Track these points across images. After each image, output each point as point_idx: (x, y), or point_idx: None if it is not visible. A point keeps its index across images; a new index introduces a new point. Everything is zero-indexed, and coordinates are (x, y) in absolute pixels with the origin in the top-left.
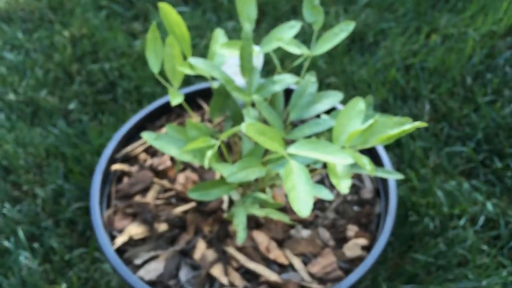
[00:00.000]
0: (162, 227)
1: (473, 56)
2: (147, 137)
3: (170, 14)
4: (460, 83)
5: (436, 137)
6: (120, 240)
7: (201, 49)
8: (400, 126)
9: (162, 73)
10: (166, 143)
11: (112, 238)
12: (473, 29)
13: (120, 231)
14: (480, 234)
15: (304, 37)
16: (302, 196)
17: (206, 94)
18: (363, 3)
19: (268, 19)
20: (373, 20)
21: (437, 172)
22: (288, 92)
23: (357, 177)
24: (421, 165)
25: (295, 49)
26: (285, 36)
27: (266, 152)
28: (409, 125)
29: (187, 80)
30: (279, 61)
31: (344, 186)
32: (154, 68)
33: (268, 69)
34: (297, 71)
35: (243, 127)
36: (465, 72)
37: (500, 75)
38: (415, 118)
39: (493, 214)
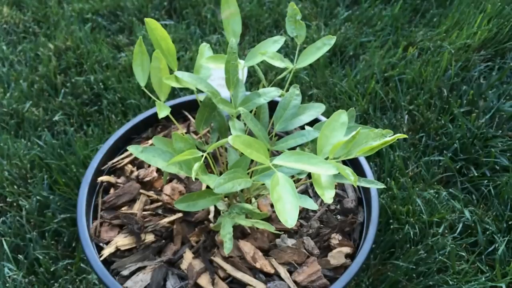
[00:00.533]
0: (149, 238)
1: (448, 68)
2: (134, 150)
3: (156, 29)
4: (436, 94)
5: (414, 147)
6: (107, 251)
7: (186, 61)
8: (381, 137)
9: (148, 86)
10: (153, 155)
11: (99, 249)
12: (449, 43)
13: (107, 242)
14: (459, 241)
15: (286, 49)
16: (288, 207)
17: (192, 106)
18: (343, 17)
19: (251, 32)
20: (353, 33)
21: (416, 180)
22: (271, 103)
23: (340, 186)
24: (401, 174)
25: (279, 63)
26: (269, 50)
27: (252, 162)
28: (390, 137)
29: (173, 92)
30: (263, 73)
31: (328, 196)
32: (141, 81)
33: (252, 81)
34: (280, 82)
35: (230, 140)
36: (441, 84)
37: (475, 87)
38: (394, 128)
39: (471, 221)
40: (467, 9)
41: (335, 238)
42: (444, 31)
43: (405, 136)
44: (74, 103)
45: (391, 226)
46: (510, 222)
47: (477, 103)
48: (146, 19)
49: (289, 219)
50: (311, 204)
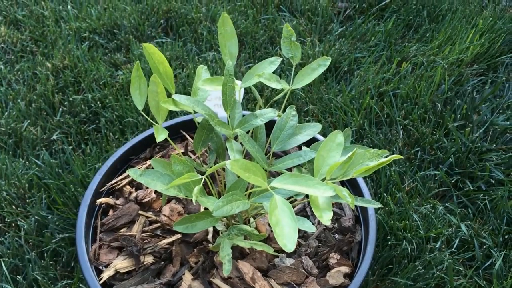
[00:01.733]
0: (148, 259)
1: (442, 83)
2: (133, 173)
3: (154, 53)
4: (431, 109)
5: (410, 162)
6: (107, 274)
7: (183, 79)
8: (377, 157)
9: (146, 108)
10: (152, 179)
11: (99, 272)
12: (442, 58)
13: (107, 265)
14: (456, 256)
15: (282, 65)
16: (287, 231)
17: (189, 125)
18: (337, 33)
19: (247, 49)
20: (347, 49)
21: (412, 195)
22: (268, 121)
23: (338, 205)
24: (397, 189)
25: (276, 84)
26: (266, 71)
27: (250, 183)
28: (386, 158)
29: (171, 111)
30: (259, 91)
31: (326, 218)
32: (139, 105)
33: (249, 97)
34: (276, 100)
35: (228, 165)
36: (435, 99)
37: (468, 101)
38: (390, 143)
39: (467, 236)
40: (459, 25)
41: (334, 257)
42: (437, 46)
43: (401, 157)
44: (72, 122)
45: (389, 242)
46: (506, 236)
47: (471, 117)
48: (144, 44)
49: (288, 243)
50: (309, 227)
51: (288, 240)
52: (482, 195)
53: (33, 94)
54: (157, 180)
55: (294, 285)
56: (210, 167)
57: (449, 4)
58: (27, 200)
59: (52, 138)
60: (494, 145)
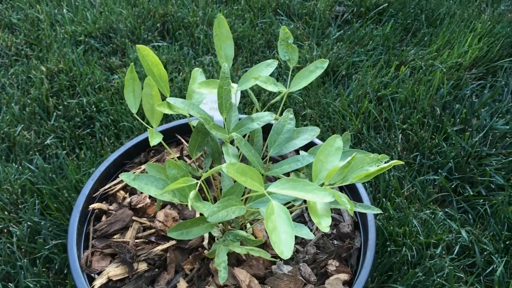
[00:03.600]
0: (142, 266)
1: (441, 87)
2: (126, 178)
3: (148, 55)
4: (429, 113)
5: (409, 166)
6: (99, 282)
7: (179, 83)
8: (377, 162)
9: (140, 112)
10: (145, 183)
11: (91, 280)
12: (440, 62)
13: (99, 272)
14: (457, 262)
15: (279, 69)
16: (284, 238)
17: (185, 129)
18: (334, 37)
19: (244, 53)
20: (345, 53)
21: (412, 200)
22: (265, 125)
23: (336, 210)
24: (396, 194)
25: (273, 87)
26: (262, 74)
27: (246, 188)
28: (387, 163)
29: (166, 115)
30: (256, 95)
31: (324, 224)
32: (132, 108)
33: (245, 101)
34: (273, 104)
35: (224, 168)
36: (434, 103)
37: (467, 105)
38: (388, 148)
39: (468, 242)
40: (458, 28)
41: (332, 264)
42: (435, 50)
43: (401, 162)
44: (66, 126)
45: (388, 248)
46: (507, 242)
47: (470, 121)
48: (138, 46)
49: (285, 250)
50: (307, 234)
51: (285, 247)
52: (482, 200)
53: (27, 98)
54: (150, 184)
55: None
56: (206, 172)
57: (447, 8)
58: (20, 206)
59: (46, 142)
60: (494, 149)
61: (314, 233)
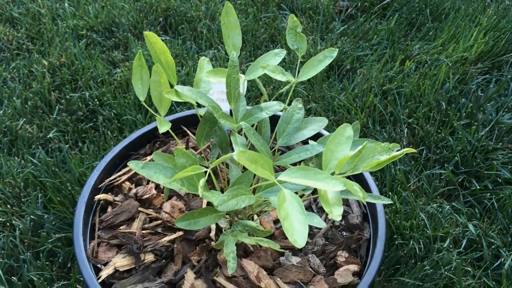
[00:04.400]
0: (148, 257)
1: (446, 81)
2: (134, 166)
3: (156, 42)
4: (435, 107)
5: (415, 161)
6: (105, 272)
7: (182, 77)
8: (388, 151)
9: (146, 100)
10: (154, 172)
11: (97, 270)
12: (445, 56)
13: (105, 263)
14: (464, 256)
15: (283, 64)
16: (297, 226)
17: (190, 121)
18: (339, 31)
19: (248, 47)
20: (349, 48)
21: (418, 194)
22: (272, 118)
23: (344, 202)
24: (402, 188)
25: (281, 76)
26: (270, 63)
27: (254, 178)
28: (398, 151)
29: (170, 107)
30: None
31: (336, 213)
32: (140, 96)
33: (249, 95)
34: (278, 97)
35: (235, 155)
36: (439, 97)
37: (473, 100)
38: (394, 142)
39: (475, 236)
40: (463, 23)
41: (342, 255)
42: (440, 45)
43: (413, 150)
44: (69, 120)
45: (395, 242)
46: None
47: (476, 115)
48: (146, 32)
49: (299, 238)
50: (319, 222)
51: (298, 235)
52: (489, 194)
53: (29, 92)
54: (159, 173)
55: (301, 283)
56: (213, 162)
57: (451, 2)
58: (23, 199)
59: (48, 136)
60: (500, 143)
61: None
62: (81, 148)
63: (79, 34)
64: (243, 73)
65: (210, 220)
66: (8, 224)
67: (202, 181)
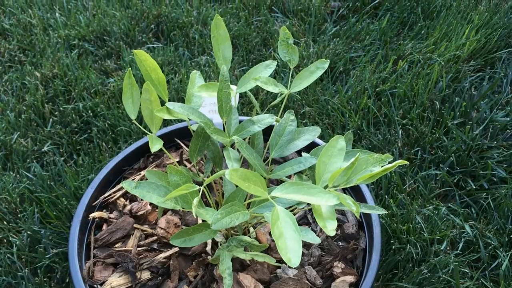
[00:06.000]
0: (145, 275)
1: (439, 80)
2: (127, 186)
3: (145, 60)
4: (429, 107)
5: (411, 162)
6: None
7: (175, 84)
8: (381, 162)
9: (138, 117)
10: (147, 191)
11: None
12: (438, 55)
13: (102, 283)
14: (461, 258)
15: (277, 68)
16: (290, 244)
17: (184, 133)
18: (331, 33)
19: (240, 52)
20: (342, 49)
21: (414, 196)
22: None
23: (340, 211)
24: (398, 190)
25: (273, 88)
26: (262, 75)
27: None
28: (390, 163)
29: (165, 119)
30: (253, 94)
31: (330, 228)
32: (131, 114)
33: (243, 101)
34: (271, 102)
35: (227, 174)
36: (433, 97)
37: (466, 98)
38: (389, 144)
39: (472, 237)
40: (455, 20)
41: (338, 266)
42: (432, 43)
43: (406, 162)
44: (63, 132)
45: (392, 246)
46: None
47: (470, 114)
48: (135, 51)
49: (293, 257)
50: (313, 238)
51: (292, 254)
52: (485, 194)
53: (22, 105)
54: (152, 192)
55: None
56: (207, 177)
57: (443, 0)
58: (19, 215)
59: (43, 149)
60: (495, 142)
61: (318, 235)
62: (76, 161)
63: (71, 44)
64: (237, 78)
65: (205, 236)
66: (5, 240)
67: (196, 200)
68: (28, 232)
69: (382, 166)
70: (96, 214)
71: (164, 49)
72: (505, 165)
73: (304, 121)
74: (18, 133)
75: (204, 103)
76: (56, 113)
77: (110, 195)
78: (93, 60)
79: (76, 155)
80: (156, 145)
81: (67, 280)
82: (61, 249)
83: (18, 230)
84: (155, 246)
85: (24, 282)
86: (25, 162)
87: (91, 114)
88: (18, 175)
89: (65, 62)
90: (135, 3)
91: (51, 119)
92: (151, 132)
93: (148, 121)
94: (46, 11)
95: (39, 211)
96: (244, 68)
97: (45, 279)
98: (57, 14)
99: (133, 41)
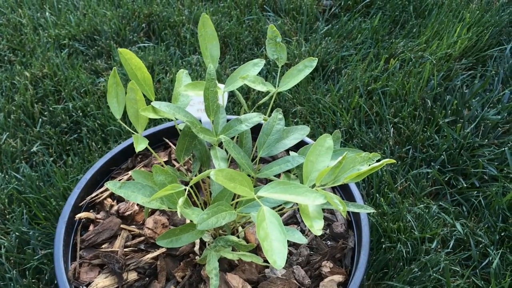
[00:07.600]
0: (131, 276)
1: (431, 79)
2: (112, 186)
3: (130, 58)
4: (420, 106)
5: (402, 160)
6: None
7: (166, 84)
8: (369, 161)
9: (125, 117)
10: (132, 191)
11: None
12: (430, 53)
13: (88, 284)
14: (452, 256)
15: (268, 66)
16: (276, 246)
17: (172, 132)
18: (323, 32)
19: (232, 51)
20: (333, 48)
21: (405, 195)
22: (255, 125)
23: (329, 210)
24: (389, 189)
25: (261, 87)
26: (250, 74)
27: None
28: (378, 162)
29: (153, 118)
30: (244, 94)
31: (317, 227)
32: (116, 114)
33: (234, 100)
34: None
35: (212, 175)
36: (424, 95)
37: (458, 96)
38: (380, 142)
39: (463, 235)
40: (446, 19)
41: (326, 265)
42: (424, 42)
43: (393, 161)
44: (52, 132)
45: (383, 245)
46: (502, 234)
47: (462, 112)
48: (120, 50)
49: (278, 259)
50: (299, 238)
51: (277, 256)
52: (476, 192)
53: (11, 105)
54: (137, 192)
55: None
56: (195, 176)
57: None
58: (7, 216)
59: (32, 150)
60: (486, 140)
61: (307, 235)
62: (65, 161)
63: (61, 44)
64: (228, 77)
65: (192, 236)
66: None
67: (181, 200)
68: (17, 233)
69: (369, 165)
70: (82, 214)
71: (155, 48)
72: (496, 163)
73: (295, 120)
74: (7, 133)
75: (192, 102)
76: (45, 113)
77: (97, 195)
78: (84, 59)
79: (66, 155)
80: (141, 145)
81: (55, 282)
82: (49, 250)
83: (7, 231)
84: (142, 246)
85: (12, 284)
86: (14, 162)
87: (81, 114)
88: (7, 176)
89: (55, 61)
90: (126, 2)
91: (40, 119)
92: (137, 132)
93: (134, 120)
94: (36, 10)
95: (27, 212)
96: (235, 67)
97: (33, 280)
98: (47, 13)
99: (124, 40)
